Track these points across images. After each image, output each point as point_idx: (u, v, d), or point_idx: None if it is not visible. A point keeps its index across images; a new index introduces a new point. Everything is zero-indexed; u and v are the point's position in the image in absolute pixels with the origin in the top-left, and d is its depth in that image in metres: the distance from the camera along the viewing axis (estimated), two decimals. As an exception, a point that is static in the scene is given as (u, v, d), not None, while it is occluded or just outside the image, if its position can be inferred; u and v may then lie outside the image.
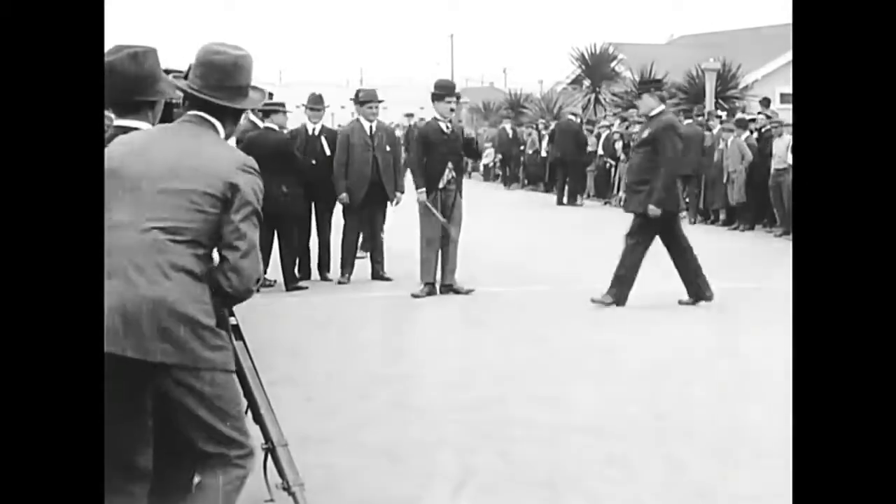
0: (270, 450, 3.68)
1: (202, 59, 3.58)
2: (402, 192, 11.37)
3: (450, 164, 10.25)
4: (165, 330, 3.31)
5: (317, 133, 11.39)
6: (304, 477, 3.76)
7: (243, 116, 4.46)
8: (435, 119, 10.40)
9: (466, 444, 5.62)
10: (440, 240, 10.15)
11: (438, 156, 10.21)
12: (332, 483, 4.90)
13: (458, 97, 10.45)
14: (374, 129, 11.27)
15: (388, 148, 11.27)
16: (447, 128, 10.29)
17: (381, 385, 6.90)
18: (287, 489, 3.70)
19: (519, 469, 5.22)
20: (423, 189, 10.19)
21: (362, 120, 11.26)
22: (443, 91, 10.41)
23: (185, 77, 3.62)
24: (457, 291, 10.20)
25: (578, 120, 24.09)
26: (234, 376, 3.52)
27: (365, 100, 11.37)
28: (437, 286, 10.21)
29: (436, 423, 6.03)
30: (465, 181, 11.08)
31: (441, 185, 10.21)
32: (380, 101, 11.51)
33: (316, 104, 11.57)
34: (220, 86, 3.55)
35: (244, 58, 3.61)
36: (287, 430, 3.79)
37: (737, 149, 17.23)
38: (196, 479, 3.59)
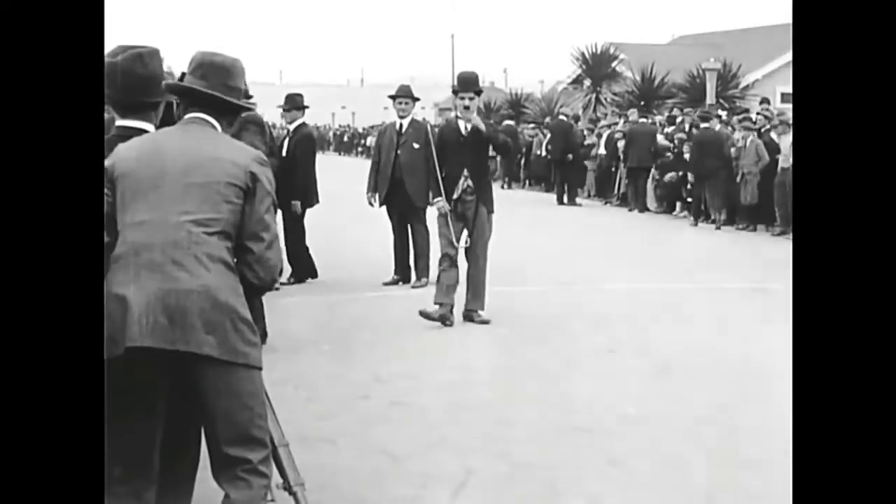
0: (271, 450, 3.69)
1: (202, 61, 3.62)
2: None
3: (465, 171, 8.86)
4: (210, 321, 3.32)
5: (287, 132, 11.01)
6: (304, 477, 3.77)
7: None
8: (456, 117, 9.10)
9: (466, 444, 5.62)
10: (456, 256, 8.85)
11: (453, 160, 8.91)
12: (333, 483, 4.90)
13: (480, 92, 9.00)
14: (403, 126, 10.95)
15: (415, 146, 10.69)
16: (467, 128, 8.90)
17: (381, 385, 6.90)
18: (288, 489, 3.71)
19: (519, 469, 5.23)
20: (440, 198, 8.89)
21: (395, 118, 11.10)
22: (457, 86, 9.09)
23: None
24: (472, 319, 8.84)
25: (569, 119, 24.15)
26: (262, 374, 3.53)
27: (393, 95, 11.11)
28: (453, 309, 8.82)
29: (436, 423, 6.04)
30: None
31: (456, 195, 8.88)
32: (410, 97, 11.01)
33: (286, 104, 11.14)
34: (223, 84, 3.60)
35: (239, 61, 3.71)
36: (288, 430, 3.80)
37: (754, 149, 16.99)
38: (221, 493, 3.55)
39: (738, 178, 17.20)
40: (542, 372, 7.29)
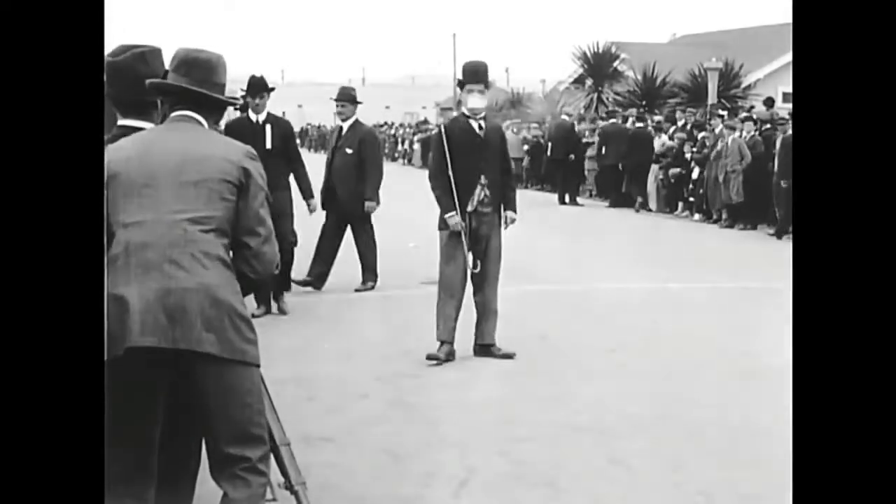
0: (273, 449, 3.69)
1: (185, 58, 3.62)
2: (371, 201, 10.27)
3: (482, 178, 7.56)
4: (209, 319, 3.32)
5: (261, 122, 9.32)
6: (305, 476, 3.77)
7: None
8: (463, 114, 7.68)
9: (467, 443, 5.63)
10: (465, 285, 7.63)
11: (466, 165, 7.51)
12: (334, 482, 4.91)
13: (489, 85, 7.73)
14: (343, 130, 10.68)
15: (348, 150, 10.39)
16: (481, 126, 7.59)
17: (381, 384, 6.91)
18: (289, 488, 3.71)
19: (519, 468, 5.23)
20: (453, 212, 7.48)
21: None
22: (464, 77, 7.67)
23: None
24: (493, 354, 7.65)
25: (571, 119, 24.21)
26: (260, 371, 3.53)
27: (334, 98, 10.75)
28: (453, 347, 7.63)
29: (436, 423, 6.04)
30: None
31: (471, 208, 7.54)
32: (349, 100, 10.58)
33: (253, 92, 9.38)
34: (207, 81, 3.60)
35: (223, 58, 3.70)
36: (289, 429, 3.80)
37: (737, 148, 17.17)
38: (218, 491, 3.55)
39: (721, 178, 17.37)
40: (543, 371, 7.29)
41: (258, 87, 9.27)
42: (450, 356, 7.55)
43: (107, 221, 3.44)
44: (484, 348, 7.66)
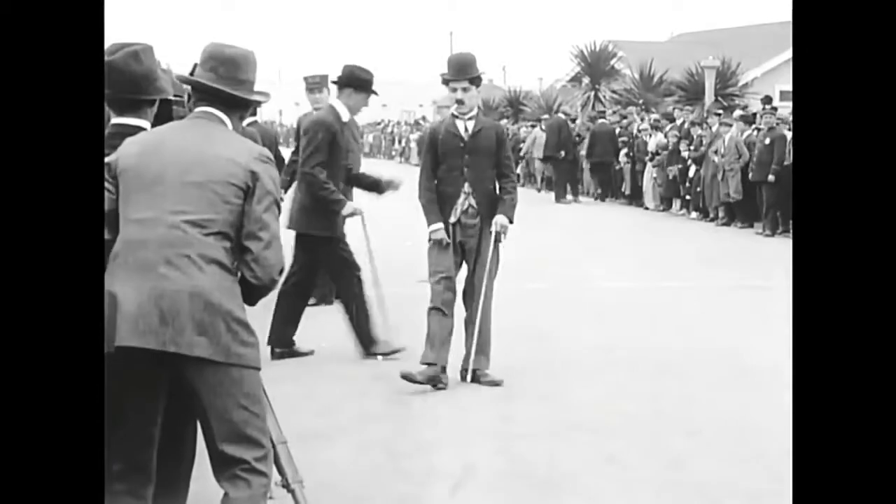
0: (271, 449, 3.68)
1: (212, 54, 3.58)
2: None
3: (466, 186, 6.75)
4: (202, 323, 3.29)
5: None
6: (303, 474, 3.77)
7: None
8: (452, 114, 6.87)
9: (466, 441, 5.62)
10: (454, 301, 6.77)
11: (448, 171, 6.79)
12: (332, 480, 4.90)
13: (478, 81, 6.84)
14: None
15: None
16: (467, 128, 6.79)
17: (379, 382, 6.89)
18: (286, 486, 3.70)
19: (518, 466, 5.23)
20: (439, 224, 6.72)
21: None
22: (448, 73, 6.83)
23: (190, 75, 3.64)
24: (478, 380, 6.73)
25: (566, 117, 24.25)
26: (259, 374, 3.51)
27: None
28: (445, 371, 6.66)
29: (434, 421, 6.04)
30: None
31: (453, 219, 6.76)
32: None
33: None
34: (232, 77, 3.55)
35: (252, 53, 3.65)
36: (286, 427, 3.79)
37: (734, 146, 17.19)
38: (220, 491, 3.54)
39: (720, 176, 17.40)
40: (541, 369, 7.29)
41: None
42: (433, 381, 6.54)
43: (117, 217, 3.43)
44: (473, 372, 6.77)
